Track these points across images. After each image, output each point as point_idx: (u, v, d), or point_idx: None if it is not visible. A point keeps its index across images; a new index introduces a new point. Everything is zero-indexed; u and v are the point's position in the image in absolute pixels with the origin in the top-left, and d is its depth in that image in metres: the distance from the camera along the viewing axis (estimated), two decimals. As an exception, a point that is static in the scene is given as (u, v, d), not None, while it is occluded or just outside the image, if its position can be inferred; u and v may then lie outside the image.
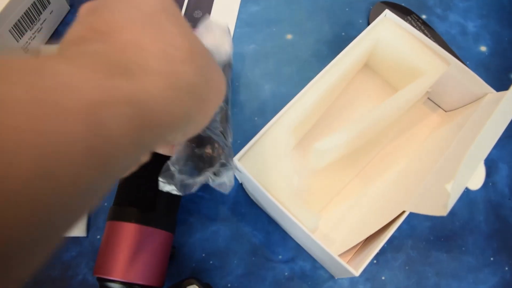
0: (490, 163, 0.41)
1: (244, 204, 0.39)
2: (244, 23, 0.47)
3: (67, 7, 0.47)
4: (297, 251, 0.38)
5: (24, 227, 0.13)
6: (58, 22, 0.47)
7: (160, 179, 0.28)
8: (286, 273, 0.37)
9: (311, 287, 0.37)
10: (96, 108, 0.14)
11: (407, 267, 0.37)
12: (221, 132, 0.32)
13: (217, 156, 0.30)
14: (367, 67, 0.43)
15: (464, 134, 0.33)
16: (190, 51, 0.20)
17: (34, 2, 0.42)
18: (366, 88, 0.43)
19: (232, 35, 0.46)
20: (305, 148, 0.40)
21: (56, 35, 0.46)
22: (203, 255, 0.37)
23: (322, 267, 0.37)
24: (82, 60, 0.16)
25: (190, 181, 0.29)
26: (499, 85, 0.41)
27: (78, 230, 0.37)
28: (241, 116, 0.42)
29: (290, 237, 0.38)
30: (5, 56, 0.14)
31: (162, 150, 0.27)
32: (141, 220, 0.31)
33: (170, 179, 0.28)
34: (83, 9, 0.21)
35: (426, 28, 0.47)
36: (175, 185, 0.28)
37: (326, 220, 0.38)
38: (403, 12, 0.48)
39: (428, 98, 0.42)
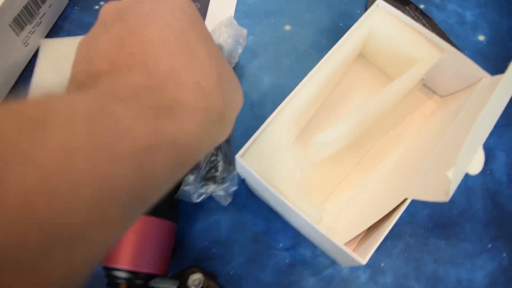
0: (488, 151, 0.41)
1: (245, 195, 0.39)
2: (243, 15, 0.47)
3: (66, 1, 0.47)
4: (298, 239, 0.38)
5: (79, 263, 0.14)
6: (57, 16, 0.47)
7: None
8: (287, 260, 0.38)
9: (312, 274, 0.37)
10: (146, 153, 0.15)
11: (405, 254, 0.38)
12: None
13: (221, 174, 0.36)
14: (362, 56, 0.43)
15: (462, 120, 0.33)
16: (219, 78, 0.20)
17: (33, -4, 0.42)
18: (362, 78, 0.43)
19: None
20: (304, 141, 0.40)
21: (55, 29, 0.46)
22: (206, 243, 0.38)
23: (322, 254, 0.38)
24: (132, 101, 0.16)
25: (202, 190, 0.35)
26: (497, 74, 0.42)
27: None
28: (241, 108, 0.42)
29: (290, 226, 0.39)
30: (61, 95, 0.15)
31: None
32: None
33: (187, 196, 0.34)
34: (107, 11, 0.21)
35: (424, 18, 0.47)
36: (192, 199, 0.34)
37: (329, 211, 0.38)
38: (401, 2, 0.48)
39: (424, 84, 0.43)
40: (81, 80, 0.19)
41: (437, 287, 0.37)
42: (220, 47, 0.40)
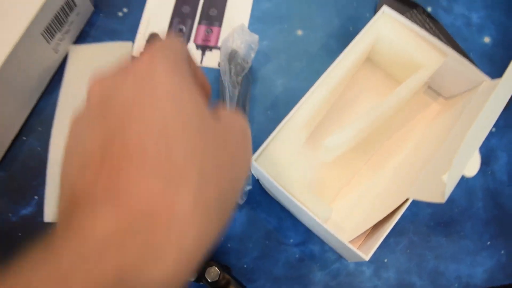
0: (489, 152, 0.43)
1: (258, 193, 0.42)
2: (257, 20, 0.49)
3: (91, 8, 0.50)
4: (307, 236, 0.41)
5: None
6: (84, 23, 0.50)
7: None
8: (297, 255, 0.41)
9: (320, 268, 0.40)
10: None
11: (408, 251, 0.40)
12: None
13: None
14: (369, 61, 0.46)
15: (461, 124, 0.35)
16: (223, 191, 0.19)
17: (62, 6, 0.45)
18: (369, 82, 0.45)
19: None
20: (314, 142, 0.43)
21: (82, 35, 0.49)
22: (222, 238, 0.41)
23: (330, 250, 0.41)
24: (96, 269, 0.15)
25: None
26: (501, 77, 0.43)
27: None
28: (255, 110, 0.45)
29: (301, 223, 0.41)
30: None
31: None
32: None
33: None
34: (93, 95, 0.19)
35: (431, 21, 0.49)
36: None
37: (337, 209, 0.41)
38: (409, 5, 0.50)
39: (429, 86, 0.45)
40: (64, 206, 0.18)
41: (438, 282, 0.39)
42: (234, 52, 0.43)
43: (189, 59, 0.22)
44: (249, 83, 0.45)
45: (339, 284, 0.40)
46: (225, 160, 0.20)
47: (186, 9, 0.50)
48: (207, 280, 0.35)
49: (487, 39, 0.49)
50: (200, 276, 0.35)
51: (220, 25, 0.49)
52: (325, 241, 0.40)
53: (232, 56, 0.42)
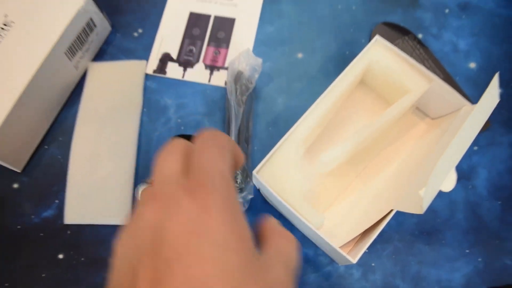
0: (471, 168, 0.48)
1: (259, 202, 0.47)
2: (261, 43, 0.54)
3: (109, 28, 0.55)
4: (302, 240, 0.45)
5: None
6: (102, 42, 0.54)
7: None
8: (293, 259, 0.45)
9: (313, 270, 0.44)
10: None
11: (393, 256, 0.44)
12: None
13: (240, 185, 0.44)
14: (363, 83, 0.50)
15: (440, 144, 0.39)
16: None
17: (84, 27, 0.49)
18: (362, 102, 0.49)
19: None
20: (312, 156, 0.47)
21: (100, 53, 0.54)
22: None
23: (322, 254, 0.45)
24: None
25: None
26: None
27: (124, 219, 0.45)
28: (258, 126, 0.50)
29: (296, 229, 0.45)
30: None
31: None
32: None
33: None
34: (148, 213, 0.20)
35: (422, 47, 0.53)
36: None
37: (330, 217, 0.45)
38: (402, 32, 0.54)
39: (417, 108, 0.49)
40: None
41: (420, 285, 0.43)
42: (240, 74, 0.47)
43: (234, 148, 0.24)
44: (252, 102, 0.49)
45: (331, 285, 0.44)
46: None
47: (196, 31, 0.54)
48: None
49: (472, 65, 0.53)
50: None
51: (227, 47, 0.53)
52: (318, 245, 0.44)
53: (238, 77, 0.47)
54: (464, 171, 0.47)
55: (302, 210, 0.39)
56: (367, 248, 0.44)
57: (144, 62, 0.53)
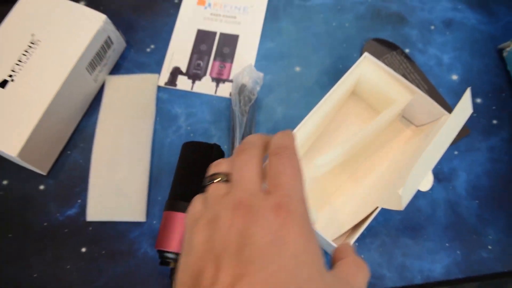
0: (452, 171, 0.53)
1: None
2: (262, 57, 0.59)
3: (124, 45, 0.60)
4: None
5: None
6: (118, 57, 0.60)
7: None
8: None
9: (310, 262, 0.49)
10: None
11: (381, 249, 0.49)
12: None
13: None
14: (354, 94, 0.55)
15: (420, 149, 0.45)
16: None
17: (102, 44, 0.55)
18: (354, 111, 0.55)
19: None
20: (307, 160, 0.52)
21: (116, 67, 0.59)
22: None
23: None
24: None
25: None
26: (460, 110, 0.53)
27: (140, 216, 0.51)
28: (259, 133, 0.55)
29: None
30: None
31: None
32: (189, 211, 0.44)
33: None
34: (239, 213, 0.24)
35: (408, 61, 0.59)
36: None
37: (324, 215, 0.50)
38: (390, 47, 0.60)
39: (403, 116, 0.54)
40: None
41: (403, 275, 0.48)
42: (243, 87, 0.53)
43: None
44: (255, 111, 0.54)
45: (325, 275, 0.49)
46: None
47: (203, 47, 0.60)
48: None
49: (454, 77, 0.58)
50: None
51: (231, 62, 0.59)
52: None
53: (241, 90, 0.52)
54: (445, 173, 0.53)
55: None
56: (358, 242, 0.49)
57: (156, 75, 0.59)
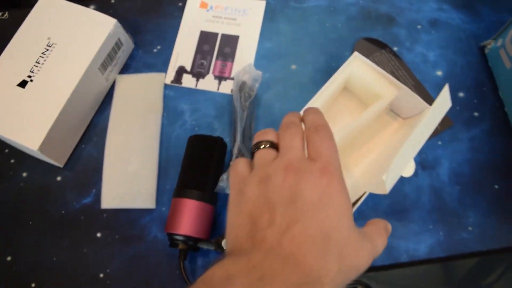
0: (436, 159, 0.57)
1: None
2: (261, 57, 0.64)
3: (132, 46, 0.65)
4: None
5: None
6: (127, 57, 0.64)
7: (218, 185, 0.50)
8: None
9: (305, 244, 0.54)
10: None
11: (370, 231, 0.54)
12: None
13: None
14: (346, 89, 0.60)
15: (403, 139, 0.49)
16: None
17: (113, 46, 0.59)
18: (346, 105, 0.59)
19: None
20: (302, 150, 0.57)
21: (126, 67, 0.64)
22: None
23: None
24: None
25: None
26: (443, 104, 0.57)
27: (150, 204, 0.55)
28: (258, 127, 0.59)
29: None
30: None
31: None
32: (196, 197, 0.49)
33: (222, 189, 0.50)
34: (290, 174, 0.30)
35: (396, 58, 0.63)
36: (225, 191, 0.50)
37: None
38: (380, 46, 0.64)
39: (390, 109, 0.59)
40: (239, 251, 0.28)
41: (391, 254, 0.53)
42: (243, 84, 0.58)
43: None
44: (254, 107, 0.59)
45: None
46: (352, 261, 0.29)
47: (206, 47, 0.64)
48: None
49: (439, 72, 0.63)
50: (218, 245, 0.49)
51: (232, 61, 0.63)
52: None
53: (242, 87, 0.57)
54: (430, 161, 0.57)
55: None
56: (349, 225, 0.53)
57: (163, 74, 0.63)
